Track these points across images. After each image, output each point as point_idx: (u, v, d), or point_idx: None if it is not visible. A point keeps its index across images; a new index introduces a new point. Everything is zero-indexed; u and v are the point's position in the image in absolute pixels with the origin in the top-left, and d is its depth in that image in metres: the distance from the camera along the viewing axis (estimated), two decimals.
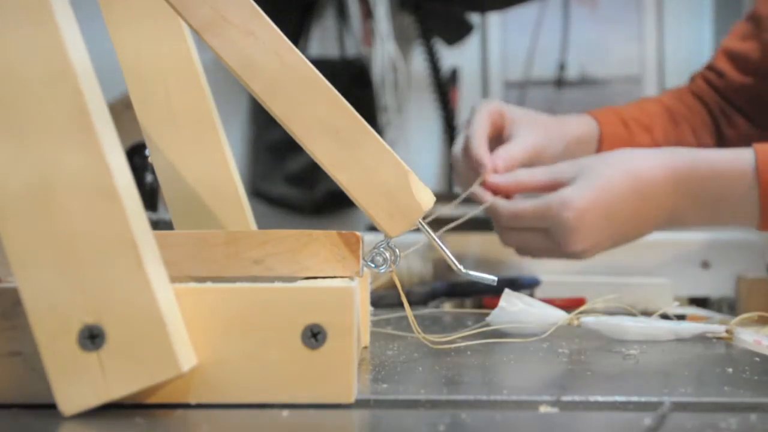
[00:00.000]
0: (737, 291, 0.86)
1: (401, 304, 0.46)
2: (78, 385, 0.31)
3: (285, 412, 0.33)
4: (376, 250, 0.43)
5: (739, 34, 1.00)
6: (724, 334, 0.54)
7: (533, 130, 0.80)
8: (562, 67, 1.91)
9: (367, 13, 1.80)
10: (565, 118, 0.89)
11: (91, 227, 0.31)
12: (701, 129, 0.96)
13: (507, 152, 0.75)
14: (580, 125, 0.89)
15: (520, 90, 1.93)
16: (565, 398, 0.34)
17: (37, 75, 0.31)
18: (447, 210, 0.76)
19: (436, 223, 0.56)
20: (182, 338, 0.33)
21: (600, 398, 0.35)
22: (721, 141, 0.95)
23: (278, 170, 1.82)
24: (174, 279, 0.34)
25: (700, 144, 0.93)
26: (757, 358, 0.47)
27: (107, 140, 0.32)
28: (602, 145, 0.89)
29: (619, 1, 1.93)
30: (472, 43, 1.91)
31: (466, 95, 1.92)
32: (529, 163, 0.77)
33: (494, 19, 1.93)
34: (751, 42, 0.97)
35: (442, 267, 0.87)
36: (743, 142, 0.76)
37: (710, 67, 1.03)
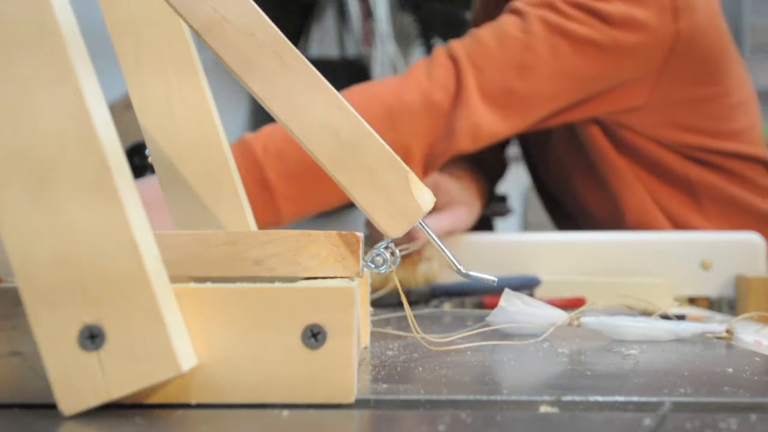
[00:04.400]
0: (737, 291, 0.86)
1: (401, 304, 0.46)
2: (78, 385, 0.31)
3: (285, 412, 0.33)
4: (376, 250, 0.43)
5: None
6: (724, 334, 0.54)
7: (464, 209, 0.92)
8: None
9: (367, 13, 1.80)
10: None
11: (91, 227, 0.31)
12: None
13: (437, 222, 0.85)
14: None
15: None
16: (565, 398, 0.34)
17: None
18: None
19: None
20: (182, 338, 0.33)
21: (600, 398, 0.35)
22: None
23: None
24: (174, 279, 0.34)
25: None
26: (757, 358, 0.47)
27: (107, 141, 0.32)
28: None
29: None
30: None
31: None
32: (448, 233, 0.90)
33: None
34: None
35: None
36: None
37: None
